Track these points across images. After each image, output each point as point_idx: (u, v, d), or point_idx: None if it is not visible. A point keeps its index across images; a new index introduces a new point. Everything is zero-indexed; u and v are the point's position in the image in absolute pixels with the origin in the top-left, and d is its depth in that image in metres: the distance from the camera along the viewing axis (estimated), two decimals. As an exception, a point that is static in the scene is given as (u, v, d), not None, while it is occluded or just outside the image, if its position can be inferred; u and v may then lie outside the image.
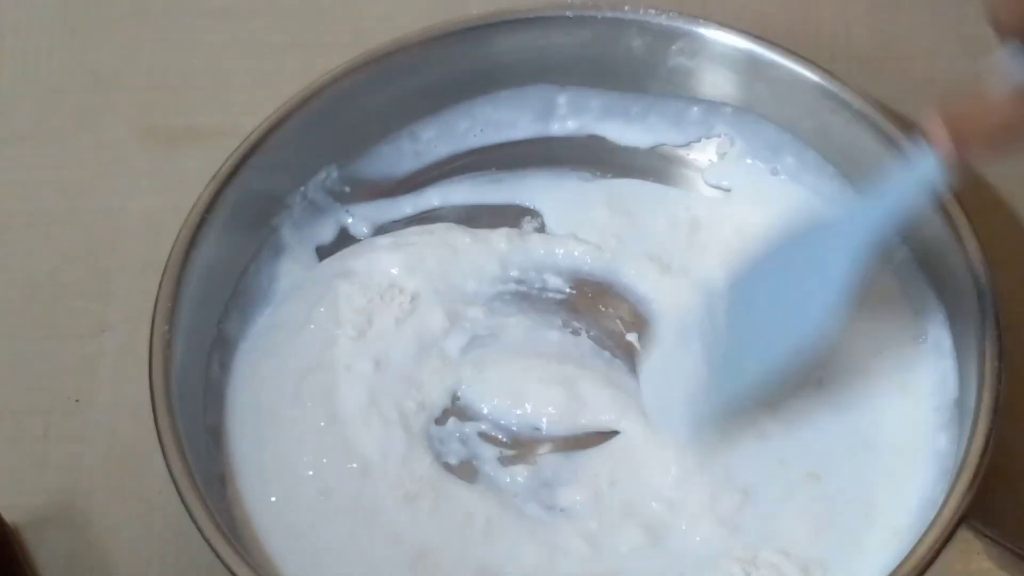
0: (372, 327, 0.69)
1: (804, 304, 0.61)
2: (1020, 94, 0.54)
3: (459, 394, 0.67)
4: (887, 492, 0.63)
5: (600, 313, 0.70)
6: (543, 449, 0.66)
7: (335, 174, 0.72)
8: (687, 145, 0.74)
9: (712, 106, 0.73)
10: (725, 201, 0.73)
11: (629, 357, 0.69)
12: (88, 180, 0.76)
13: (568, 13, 0.71)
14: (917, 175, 0.58)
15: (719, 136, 0.74)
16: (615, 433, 0.66)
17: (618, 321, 0.70)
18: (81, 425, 0.68)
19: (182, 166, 0.75)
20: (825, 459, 0.64)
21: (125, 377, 0.69)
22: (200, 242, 0.64)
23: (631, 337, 0.69)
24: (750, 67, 0.71)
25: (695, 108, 0.73)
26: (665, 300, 0.70)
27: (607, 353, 0.69)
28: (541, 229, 0.73)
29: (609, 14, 0.71)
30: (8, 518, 0.64)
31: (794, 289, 0.62)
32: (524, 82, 0.73)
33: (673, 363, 0.66)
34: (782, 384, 0.64)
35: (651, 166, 0.74)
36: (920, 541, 0.56)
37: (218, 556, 0.57)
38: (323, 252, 0.71)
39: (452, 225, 0.72)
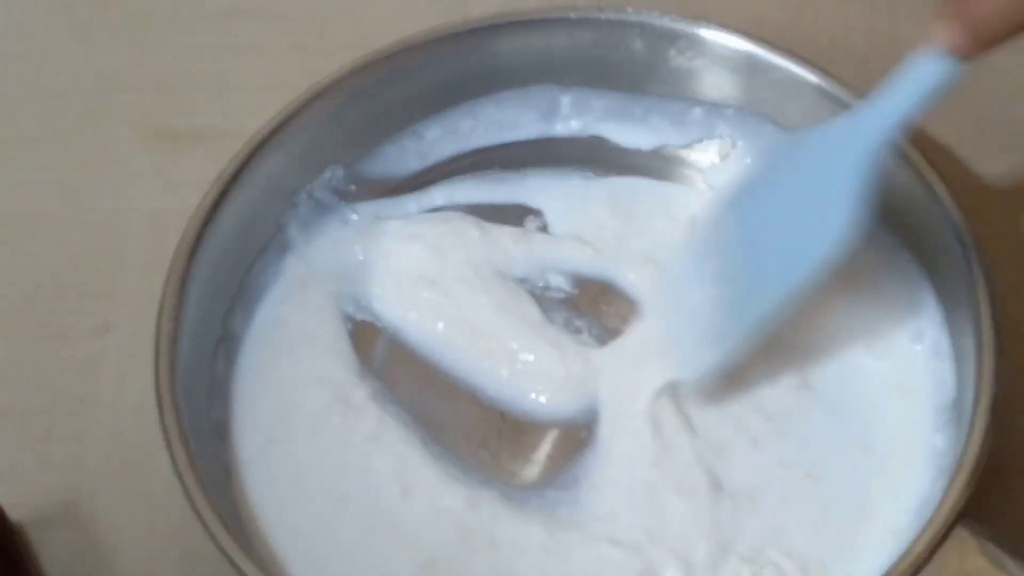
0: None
1: (818, 216, 0.60)
2: None
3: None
4: (884, 492, 0.63)
5: (602, 312, 0.70)
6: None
7: (340, 173, 0.72)
8: (689, 146, 0.75)
9: (714, 107, 0.73)
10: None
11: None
12: (92, 181, 0.77)
13: (571, 15, 0.72)
14: (925, 70, 0.57)
15: (721, 137, 0.74)
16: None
17: (619, 320, 0.70)
18: (85, 425, 0.68)
19: (186, 168, 0.76)
20: (823, 460, 0.64)
21: (129, 377, 0.69)
22: (206, 239, 0.64)
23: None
24: (751, 68, 0.71)
25: (697, 109, 0.74)
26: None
27: None
28: (543, 228, 0.73)
29: (612, 16, 0.71)
30: (12, 516, 0.64)
31: (806, 200, 0.61)
32: (527, 83, 0.74)
33: (682, 293, 0.66)
34: (801, 301, 0.62)
35: (653, 166, 0.75)
36: (917, 540, 0.56)
37: (222, 551, 0.57)
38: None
39: (462, 215, 0.73)
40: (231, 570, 0.56)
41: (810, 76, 0.69)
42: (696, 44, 0.71)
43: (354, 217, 0.72)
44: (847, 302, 0.68)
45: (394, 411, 0.66)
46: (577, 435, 0.66)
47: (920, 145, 0.66)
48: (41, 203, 0.76)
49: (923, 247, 0.67)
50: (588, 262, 0.71)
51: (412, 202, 0.73)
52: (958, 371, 0.64)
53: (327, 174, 0.71)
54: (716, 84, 0.72)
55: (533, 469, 0.66)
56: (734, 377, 0.66)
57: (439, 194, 0.74)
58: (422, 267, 0.70)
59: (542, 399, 0.67)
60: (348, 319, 0.69)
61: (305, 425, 0.66)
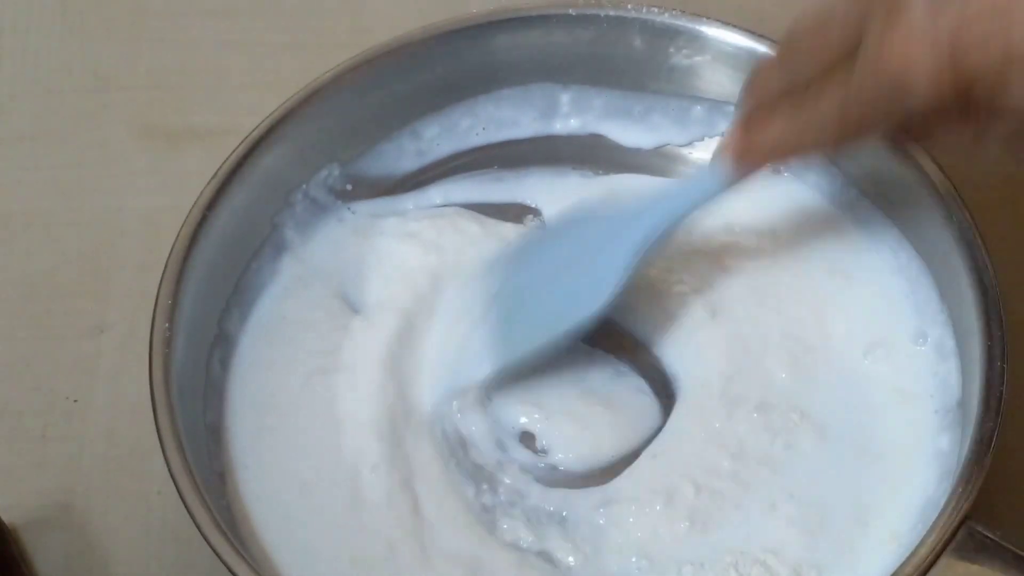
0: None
1: (587, 282, 0.65)
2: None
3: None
4: (888, 494, 0.62)
5: None
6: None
7: (337, 172, 0.71)
8: (690, 144, 0.74)
9: (715, 104, 0.73)
10: (727, 199, 0.73)
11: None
12: (87, 180, 0.76)
13: (571, 11, 0.71)
14: (703, 183, 0.64)
15: (722, 135, 0.73)
16: None
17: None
18: (79, 425, 0.68)
19: (181, 166, 0.76)
20: (824, 461, 0.64)
21: (124, 377, 0.69)
22: (201, 239, 0.64)
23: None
24: (752, 65, 0.70)
25: (698, 107, 0.73)
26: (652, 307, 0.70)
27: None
28: (542, 228, 0.72)
29: (612, 12, 0.71)
30: (7, 518, 0.64)
31: (580, 266, 0.66)
32: (527, 80, 0.73)
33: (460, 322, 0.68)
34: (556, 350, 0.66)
35: (653, 165, 0.74)
36: (921, 542, 0.56)
37: (217, 554, 0.56)
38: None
39: (461, 210, 0.72)
40: (226, 572, 0.56)
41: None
42: (697, 41, 0.71)
43: (351, 216, 0.72)
44: (849, 301, 0.68)
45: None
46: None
47: (926, 144, 0.66)
48: (36, 202, 0.76)
49: (927, 246, 0.67)
50: None
51: (410, 201, 0.73)
52: (963, 372, 0.63)
53: (323, 173, 0.71)
54: (717, 81, 0.72)
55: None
56: (733, 376, 0.66)
57: (437, 193, 0.73)
58: (420, 263, 0.70)
59: None
60: (345, 319, 0.69)
61: (301, 427, 0.65)
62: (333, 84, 0.69)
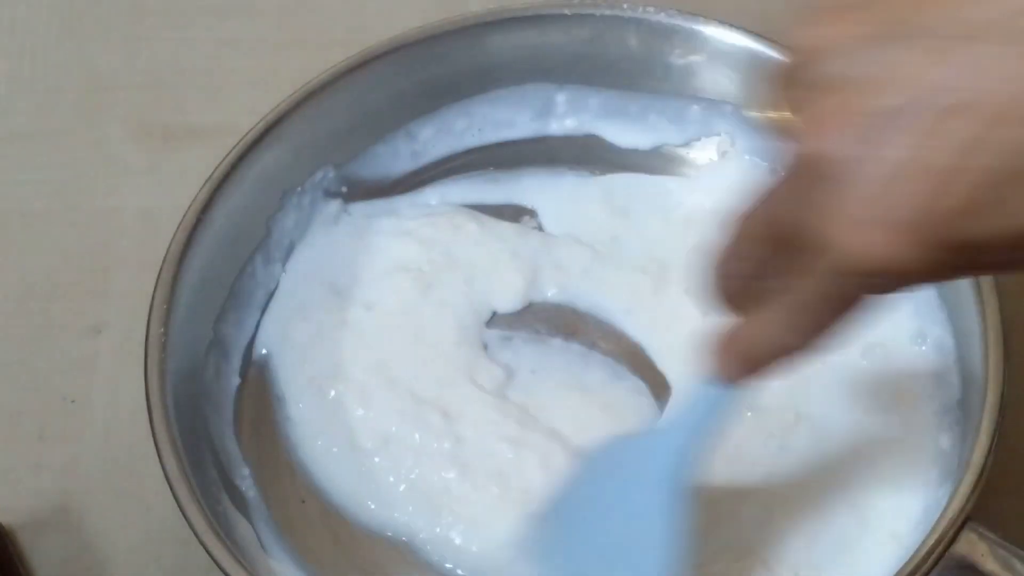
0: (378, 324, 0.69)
1: (636, 526, 0.58)
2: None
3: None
4: (889, 494, 0.62)
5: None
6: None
7: (332, 174, 0.71)
8: (687, 144, 0.74)
9: (712, 104, 0.72)
10: (724, 199, 0.72)
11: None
12: (85, 179, 0.76)
13: (566, 11, 0.71)
14: (711, 395, 0.54)
15: (719, 135, 0.73)
16: None
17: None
18: (77, 426, 0.68)
19: (179, 165, 0.76)
20: (823, 461, 0.64)
21: (121, 378, 0.69)
22: (196, 243, 0.64)
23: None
24: (750, 65, 0.70)
25: (695, 106, 0.73)
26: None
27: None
28: (539, 228, 0.72)
29: (608, 12, 0.71)
30: (4, 519, 0.64)
31: (622, 508, 0.59)
32: (522, 81, 0.73)
33: None
34: None
35: (650, 165, 0.74)
36: (923, 543, 0.56)
37: (213, 558, 0.56)
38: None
39: (458, 208, 0.72)
40: (222, 574, 0.56)
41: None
42: (694, 40, 0.71)
43: (347, 217, 0.72)
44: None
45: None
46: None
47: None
48: (33, 201, 0.76)
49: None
50: (586, 262, 0.71)
51: (405, 202, 0.73)
52: (963, 372, 0.63)
53: (319, 174, 0.71)
54: (714, 81, 0.72)
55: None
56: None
57: (432, 194, 0.73)
58: (417, 259, 0.70)
59: None
60: (343, 315, 0.69)
61: (300, 430, 0.66)
62: (329, 85, 0.69)
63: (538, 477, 0.63)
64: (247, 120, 0.68)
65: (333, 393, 0.66)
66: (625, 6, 0.71)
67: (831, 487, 0.63)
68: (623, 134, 0.74)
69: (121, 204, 0.75)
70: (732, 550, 0.61)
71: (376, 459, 0.64)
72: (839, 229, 0.41)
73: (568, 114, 0.74)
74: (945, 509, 0.56)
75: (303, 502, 0.64)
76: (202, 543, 0.57)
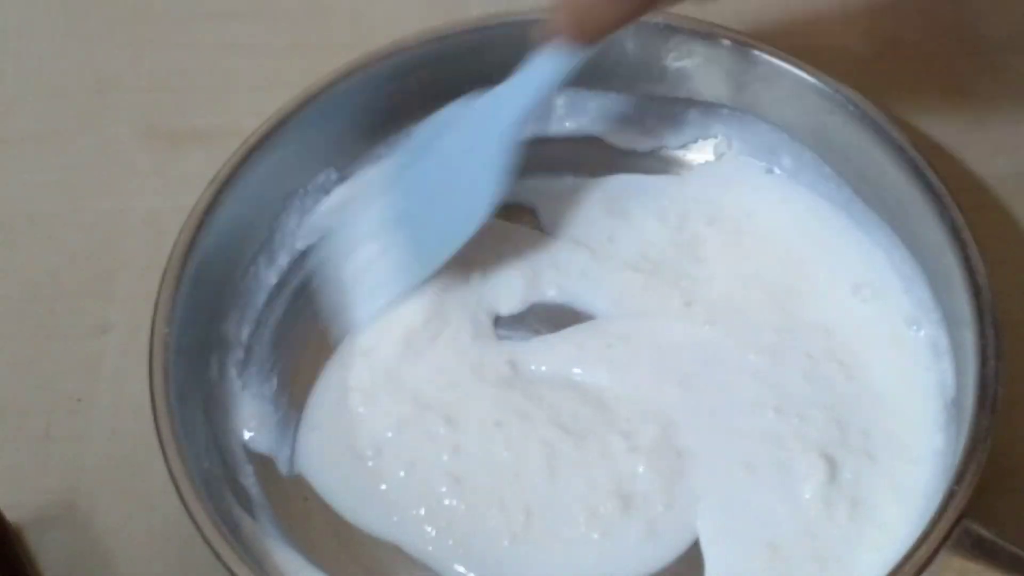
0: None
1: (472, 180, 0.67)
2: None
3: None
4: (885, 491, 0.63)
5: None
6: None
7: (334, 176, 0.72)
8: (684, 146, 0.74)
9: (709, 107, 0.73)
10: (722, 199, 0.73)
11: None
12: (90, 181, 0.77)
13: (566, 15, 0.71)
14: (550, 60, 0.65)
15: (716, 137, 0.74)
16: None
17: None
18: (83, 425, 0.68)
19: (184, 167, 0.76)
20: (829, 452, 0.64)
21: (127, 377, 0.69)
22: (200, 244, 0.65)
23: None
24: (747, 68, 0.71)
25: (692, 110, 0.73)
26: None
27: None
28: (537, 228, 0.73)
29: (606, 15, 0.71)
30: (10, 517, 0.64)
31: (461, 166, 0.68)
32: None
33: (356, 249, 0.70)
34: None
35: (648, 167, 0.74)
36: (918, 540, 0.56)
37: (217, 556, 0.57)
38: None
39: None
40: (226, 572, 0.57)
41: (806, 76, 0.69)
42: (691, 44, 0.71)
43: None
44: (844, 300, 0.68)
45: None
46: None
47: (920, 145, 0.66)
48: (39, 203, 0.76)
49: (921, 245, 0.67)
50: (584, 264, 0.71)
51: None
52: (957, 370, 0.63)
53: (321, 177, 0.71)
54: (712, 84, 0.72)
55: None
56: (725, 385, 0.66)
57: None
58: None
59: None
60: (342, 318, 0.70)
61: (301, 428, 0.66)
62: (332, 87, 0.69)
63: (540, 482, 0.64)
64: (251, 123, 0.68)
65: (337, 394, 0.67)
66: (623, 9, 0.71)
67: (836, 482, 0.63)
68: (621, 137, 0.75)
69: (126, 205, 0.75)
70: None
71: (370, 464, 0.65)
72: None
73: (567, 117, 0.75)
74: (940, 506, 0.57)
75: (306, 500, 0.65)
76: (206, 540, 0.57)
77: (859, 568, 0.61)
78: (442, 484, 0.64)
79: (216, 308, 0.67)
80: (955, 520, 0.56)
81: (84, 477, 0.67)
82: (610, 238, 0.72)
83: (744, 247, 0.71)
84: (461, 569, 0.62)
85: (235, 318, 0.68)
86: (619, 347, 0.68)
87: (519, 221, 0.73)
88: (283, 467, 0.66)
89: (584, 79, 0.73)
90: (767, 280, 0.69)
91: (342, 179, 0.72)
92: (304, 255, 0.71)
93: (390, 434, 0.65)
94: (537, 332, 0.70)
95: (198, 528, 0.57)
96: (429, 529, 0.63)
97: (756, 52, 0.70)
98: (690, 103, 0.73)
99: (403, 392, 0.67)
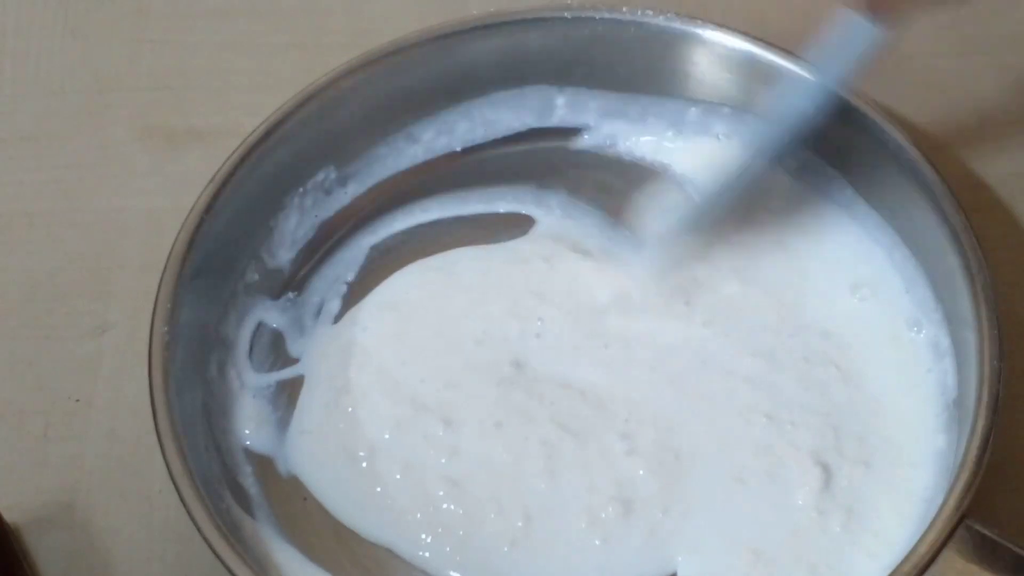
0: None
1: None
2: None
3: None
4: (887, 492, 0.63)
5: None
6: None
7: (333, 175, 0.72)
8: (685, 146, 0.74)
9: (710, 107, 0.73)
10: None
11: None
12: (89, 180, 0.76)
13: (566, 14, 0.71)
14: (856, 39, 0.63)
15: (717, 137, 0.74)
16: None
17: None
18: (81, 425, 0.68)
19: (182, 166, 0.76)
20: (824, 460, 0.64)
21: (125, 377, 0.69)
22: (199, 243, 0.64)
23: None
24: (748, 68, 0.71)
25: (693, 109, 0.73)
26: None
27: None
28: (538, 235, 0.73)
29: (607, 15, 0.71)
30: (8, 518, 0.64)
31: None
32: (522, 83, 0.73)
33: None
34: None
35: (649, 167, 0.74)
36: (920, 541, 0.56)
37: (217, 556, 0.57)
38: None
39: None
40: (226, 572, 0.57)
41: (808, 75, 0.69)
42: (692, 43, 0.71)
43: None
44: (845, 300, 0.68)
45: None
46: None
47: (920, 145, 0.66)
48: (38, 202, 0.76)
49: (923, 245, 0.67)
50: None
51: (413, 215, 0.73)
52: (959, 371, 0.63)
53: (320, 176, 0.71)
54: (713, 83, 0.72)
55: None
56: (719, 390, 0.66)
57: (435, 207, 0.73)
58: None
59: None
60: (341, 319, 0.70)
61: (300, 428, 0.66)
62: (331, 87, 0.69)
63: (540, 484, 0.64)
64: (250, 122, 0.68)
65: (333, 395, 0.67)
66: (624, 9, 0.71)
67: (838, 482, 0.63)
68: (622, 136, 0.75)
69: (125, 205, 0.75)
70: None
71: (364, 465, 0.65)
72: None
73: (568, 116, 0.75)
74: (942, 507, 0.57)
75: (305, 500, 0.65)
76: (206, 540, 0.57)
77: (861, 568, 0.60)
78: (439, 488, 0.63)
79: (216, 308, 0.67)
80: (957, 520, 0.56)
81: (82, 477, 0.67)
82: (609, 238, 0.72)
83: (744, 245, 0.70)
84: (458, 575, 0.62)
85: (234, 318, 0.68)
86: (616, 347, 0.68)
87: (519, 225, 0.73)
88: (282, 467, 0.65)
89: (586, 78, 0.73)
90: (766, 279, 0.69)
91: (342, 178, 0.72)
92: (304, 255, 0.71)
93: (387, 435, 0.65)
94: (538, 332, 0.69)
95: (198, 528, 0.57)
96: (425, 536, 0.63)
97: (757, 52, 0.70)
98: (691, 102, 0.73)
99: (399, 393, 0.66)
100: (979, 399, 0.59)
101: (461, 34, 0.71)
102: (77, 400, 0.69)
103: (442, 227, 0.73)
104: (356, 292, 0.71)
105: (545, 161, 0.74)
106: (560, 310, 0.69)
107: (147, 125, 0.78)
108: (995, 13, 0.80)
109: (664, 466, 0.64)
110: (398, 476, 0.64)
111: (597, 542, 0.62)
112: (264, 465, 0.65)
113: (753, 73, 0.71)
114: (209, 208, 0.65)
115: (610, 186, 0.73)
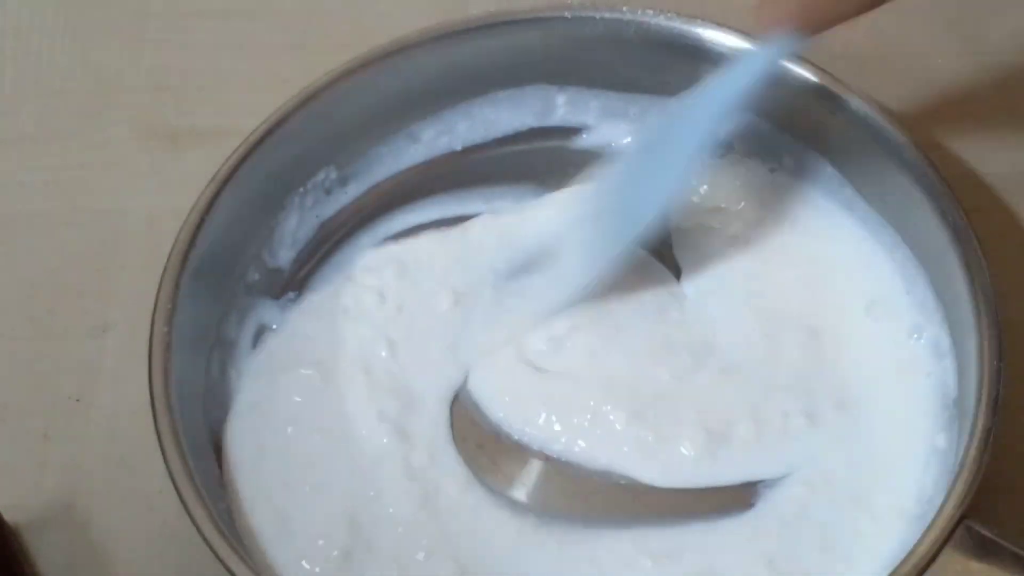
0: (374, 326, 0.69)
1: (670, 166, 0.66)
2: None
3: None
4: (886, 492, 0.63)
5: None
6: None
7: (334, 175, 0.72)
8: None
9: (711, 106, 0.73)
10: (724, 200, 0.73)
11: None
12: (89, 181, 0.77)
13: (567, 14, 0.71)
14: (756, 58, 0.64)
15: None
16: None
17: None
18: (82, 425, 0.68)
19: (183, 167, 0.76)
20: (822, 461, 0.64)
21: (126, 377, 0.69)
22: (199, 243, 0.64)
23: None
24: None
25: (693, 108, 0.73)
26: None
27: None
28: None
29: (608, 15, 0.71)
30: (8, 518, 0.64)
31: (666, 156, 0.67)
32: (523, 83, 0.73)
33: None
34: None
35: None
36: (920, 541, 0.56)
37: (217, 557, 0.57)
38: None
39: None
40: (226, 574, 0.57)
41: (808, 75, 0.69)
42: (694, 43, 0.71)
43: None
44: (845, 301, 0.68)
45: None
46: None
47: (920, 144, 0.66)
48: (38, 203, 0.76)
49: (922, 245, 0.67)
50: None
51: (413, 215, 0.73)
52: (959, 370, 0.63)
53: (320, 176, 0.71)
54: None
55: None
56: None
57: (434, 207, 0.73)
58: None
59: None
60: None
61: (300, 429, 0.66)
62: (331, 87, 0.69)
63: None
64: (250, 122, 0.68)
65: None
66: (624, 9, 0.71)
67: (837, 483, 0.63)
68: (623, 136, 0.74)
69: (126, 205, 0.75)
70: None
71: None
72: None
73: (568, 116, 0.74)
74: (941, 507, 0.57)
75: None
76: (206, 541, 0.57)
77: (860, 568, 0.60)
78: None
79: (216, 308, 0.67)
80: (957, 520, 0.56)
81: (82, 477, 0.67)
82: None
83: (744, 246, 0.71)
84: None
85: (235, 318, 0.68)
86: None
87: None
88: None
89: (586, 78, 0.73)
90: (766, 278, 0.69)
91: (342, 178, 0.72)
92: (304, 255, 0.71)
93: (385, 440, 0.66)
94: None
95: (198, 528, 0.57)
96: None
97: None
98: (691, 102, 0.73)
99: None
100: (979, 399, 0.59)
101: (461, 34, 0.71)
102: (77, 400, 0.69)
103: (442, 227, 0.73)
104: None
105: (545, 161, 0.74)
106: None
107: (147, 125, 0.78)
108: (995, 13, 0.80)
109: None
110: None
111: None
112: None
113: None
114: (209, 208, 0.65)
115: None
